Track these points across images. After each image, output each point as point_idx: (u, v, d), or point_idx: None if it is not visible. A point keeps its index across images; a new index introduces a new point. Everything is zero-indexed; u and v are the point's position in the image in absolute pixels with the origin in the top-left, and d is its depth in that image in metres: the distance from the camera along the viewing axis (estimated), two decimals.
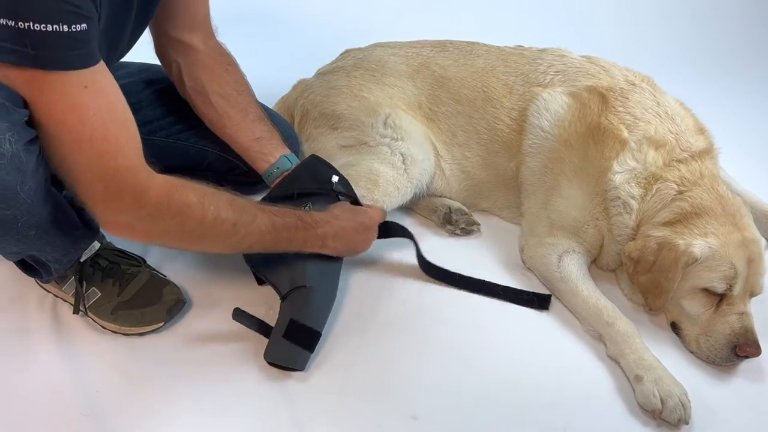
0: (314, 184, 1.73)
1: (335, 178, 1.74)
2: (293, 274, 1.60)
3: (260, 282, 1.73)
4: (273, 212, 1.52)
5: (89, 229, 1.57)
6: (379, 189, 1.90)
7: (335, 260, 1.68)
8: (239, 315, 1.57)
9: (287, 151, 1.81)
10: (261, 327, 1.58)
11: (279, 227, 1.51)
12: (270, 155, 1.77)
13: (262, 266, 1.66)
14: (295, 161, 1.80)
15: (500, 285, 1.82)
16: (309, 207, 1.66)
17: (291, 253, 1.58)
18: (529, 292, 1.81)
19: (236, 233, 1.45)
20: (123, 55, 1.68)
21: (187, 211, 1.36)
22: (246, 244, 1.50)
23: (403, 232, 1.81)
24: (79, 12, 1.14)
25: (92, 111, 1.20)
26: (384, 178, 1.91)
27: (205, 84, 1.77)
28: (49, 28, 1.10)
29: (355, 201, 1.76)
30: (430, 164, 2.02)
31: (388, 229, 1.79)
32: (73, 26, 1.13)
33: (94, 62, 1.22)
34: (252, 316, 1.58)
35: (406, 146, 1.95)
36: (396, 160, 1.94)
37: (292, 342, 1.54)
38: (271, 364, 1.56)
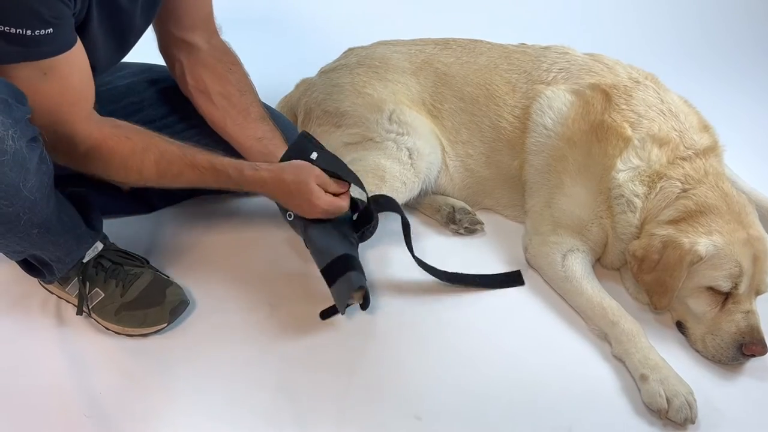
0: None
1: (314, 155, 1.70)
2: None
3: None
4: (204, 167, 1.56)
5: (92, 228, 1.58)
6: (386, 185, 1.90)
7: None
8: (327, 314, 1.64)
9: None
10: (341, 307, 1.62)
11: (208, 180, 1.57)
12: (272, 155, 1.77)
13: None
14: None
15: (474, 274, 1.82)
16: None
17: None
18: (501, 273, 1.84)
19: (159, 183, 1.57)
20: (125, 54, 1.70)
21: (111, 163, 1.50)
22: (171, 186, 1.60)
23: (395, 209, 1.76)
24: (44, 18, 1.27)
25: (44, 91, 1.35)
26: (390, 173, 1.91)
27: (207, 83, 1.78)
28: (13, 30, 1.25)
29: (339, 177, 1.69)
30: (437, 157, 2.01)
31: (382, 204, 1.74)
32: (37, 31, 1.27)
33: (57, 53, 1.34)
34: (332, 307, 1.63)
35: (412, 141, 1.95)
36: (402, 155, 1.94)
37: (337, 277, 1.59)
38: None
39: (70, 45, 1.36)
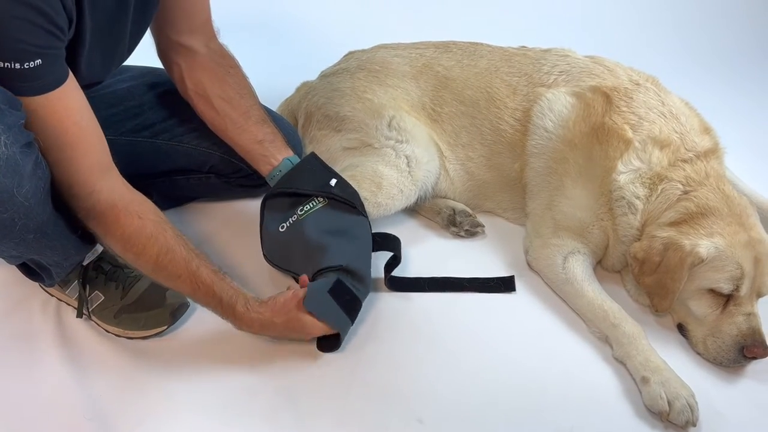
0: (312, 186, 1.73)
1: (333, 181, 1.74)
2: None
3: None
4: (203, 283, 1.51)
5: (90, 233, 1.57)
6: (382, 192, 1.89)
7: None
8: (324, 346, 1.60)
9: (290, 154, 1.80)
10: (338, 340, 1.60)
11: (199, 296, 1.53)
12: (273, 158, 1.77)
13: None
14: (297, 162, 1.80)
15: (465, 278, 1.82)
16: (303, 211, 1.71)
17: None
18: (493, 278, 1.83)
19: (152, 275, 1.53)
20: (123, 60, 1.68)
21: (110, 234, 1.46)
22: (160, 282, 1.56)
23: (391, 247, 1.79)
24: (32, 50, 1.24)
25: (37, 131, 1.31)
26: (388, 180, 1.90)
27: (206, 87, 1.77)
28: (2, 65, 1.22)
29: (353, 206, 1.74)
30: (435, 166, 2.01)
31: (381, 243, 1.78)
32: (26, 63, 1.24)
33: (49, 90, 1.30)
34: (331, 337, 1.59)
35: (410, 148, 1.95)
36: (400, 163, 1.93)
37: (337, 301, 1.56)
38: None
39: (62, 80, 1.33)
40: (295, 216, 1.71)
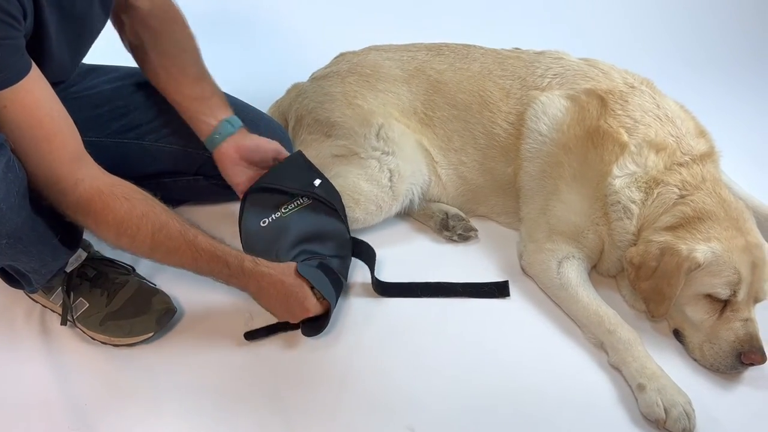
0: (297, 185, 1.74)
1: (317, 182, 1.75)
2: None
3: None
4: (204, 249, 1.49)
5: (70, 239, 1.53)
6: (359, 207, 1.91)
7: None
8: (252, 336, 1.62)
9: (229, 114, 1.76)
10: (271, 329, 1.62)
11: (202, 264, 1.51)
12: (211, 117, 1.73)
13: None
14: (239, 125, 1.76)
15: (459, 283, 1.81)
16: (287, 209, 1.74)
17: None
18: (487, 283, 1.82)
19: (150, 256, 1.50)
20: (92, 41, 1.65)
21: (102, 222, 1.41)
22: (159, 261, 1.53)
23: (365, 257, 1.80)
24: None
25: (10, 128, 1.28)
26: (366, 197, 1.90)
27: (144, 40, 1.73)
28: None
29: (333, 209, 1.77)
30: (420, 178, 2.00)
31: (357, 253, 1.80)
32: None
33: (12, 82, 1.26)
34: (261, 329, 1.61)
35: (395, 162, 1.94)
36: (382, 177, 1.93)
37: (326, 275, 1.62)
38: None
39: (25, 71, 1.29)
40: (279, 213, 1.73)
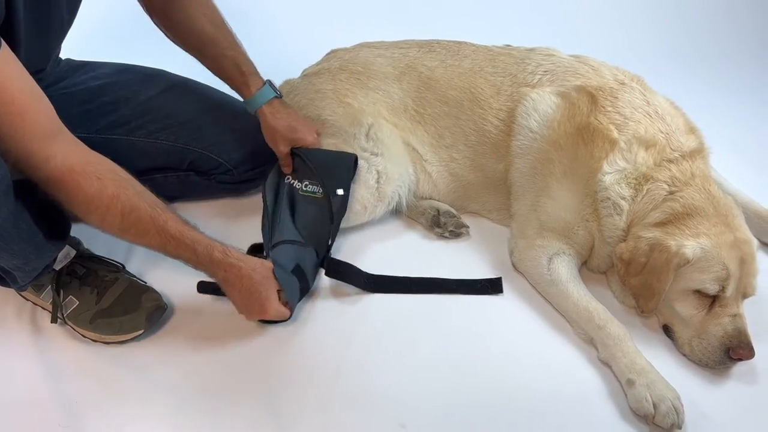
0: (328, 180, 1.85)
1: (340, 191, 1.84)
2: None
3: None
4: (172, 236, 1.48)
5: (57, 236, 1.53)
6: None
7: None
8: (204, 288, 1.66)
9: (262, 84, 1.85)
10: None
11: (170, 249, 1.50)
12: (255, 78, 1.83)
13: None
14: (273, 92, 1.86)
15: (453, 279, 1.81)
16: (306, 189, 1.89)
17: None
18: (480, 279, 1.82)
19: (119, 236, 1.49)
20: (65, 28, 1.65)
21: (72, 199, 1.40)
22: (129, 241, 1.53)
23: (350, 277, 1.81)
24: None
25: None
26: (352, 197, 1.90)
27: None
28: None
29: (331, 222, 1.83)
30: (407, 179, 2.00)
31: (336, 273, 1.80)
32: None
33: None
34: (216, 285, 1.60)
35: (383, 163, 1.94)
36: (370, 178, 1.93)
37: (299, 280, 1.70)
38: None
39: None
40: (299, 185, 1.89)
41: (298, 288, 1.69)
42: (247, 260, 1.57)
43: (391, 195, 1.96)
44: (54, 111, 1.40)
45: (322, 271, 1.79)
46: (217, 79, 1.88)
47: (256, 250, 1.77)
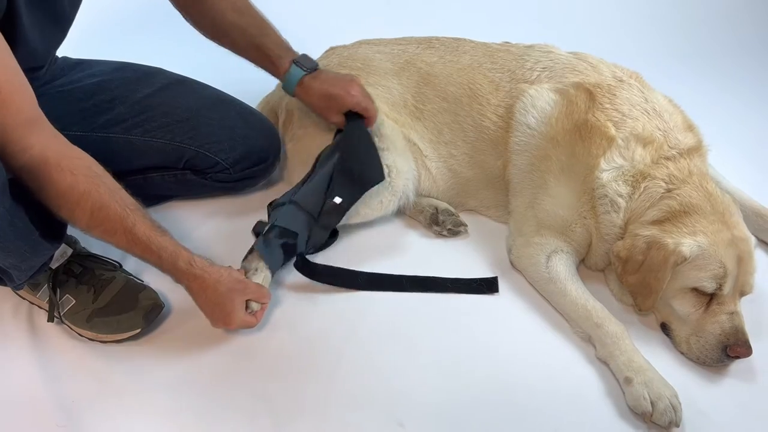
0: (338, 187, 1.80)
1: (338, 200, 1.78)
2: None
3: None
4: (138, 240, 1.47)
5: (53, 234, 1.52)
6: (362, 202, 1.88)
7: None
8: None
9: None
10: None
11: (135, 251, 1.49)
12: (283, 62, 1.85)
13: None
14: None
15: (448, 278, 1.81)
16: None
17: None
18: (476, 279, 1.82)
19: (87, 232, 1.48)
20: (67, 25, 1.65)
21: (43, 191, 1.39)
22: (96, 238, 1.51)
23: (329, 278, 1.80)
24: None
25: None
26: (369, 192, 1.87)
27: None
28: None
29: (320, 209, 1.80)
30: (413, 173, 1.99)
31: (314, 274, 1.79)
32: None
33: None
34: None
35: (392, 158, 1.93)
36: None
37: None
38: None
39: None
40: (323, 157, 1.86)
41: (281, 261, 1.72)
42: (212, 271, 1.55)
43: (402, 189, 1.94)
44: (35, 101, 1.39)
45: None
46: (216, 76, 1.87)
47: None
